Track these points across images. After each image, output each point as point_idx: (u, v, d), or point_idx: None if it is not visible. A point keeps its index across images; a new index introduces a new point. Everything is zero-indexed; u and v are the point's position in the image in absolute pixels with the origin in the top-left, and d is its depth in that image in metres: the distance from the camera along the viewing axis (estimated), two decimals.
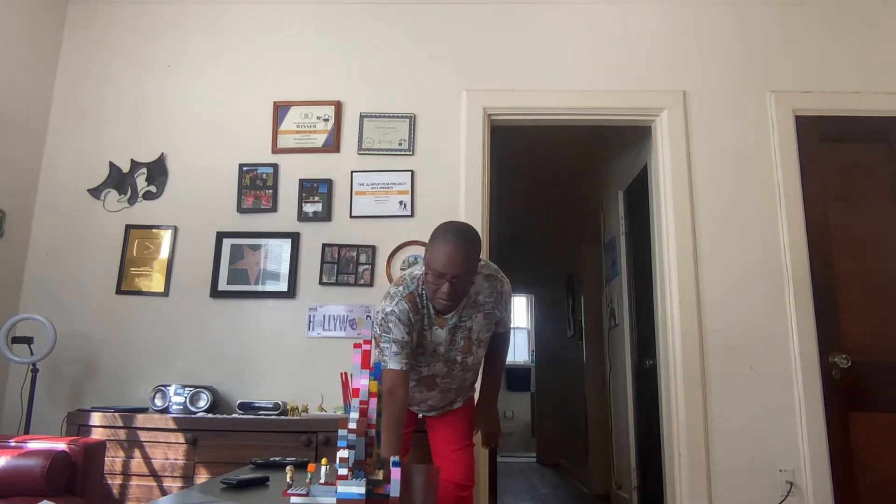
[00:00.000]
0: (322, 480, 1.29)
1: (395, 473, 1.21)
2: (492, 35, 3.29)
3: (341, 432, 1.17)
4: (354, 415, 1.19)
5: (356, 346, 1.27)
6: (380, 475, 1.25)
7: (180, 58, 3.35)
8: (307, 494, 1.24)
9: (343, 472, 1.17)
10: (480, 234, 3.01)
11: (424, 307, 1.99)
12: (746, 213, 3.05)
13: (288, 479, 1.30)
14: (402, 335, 1.93)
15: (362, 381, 1.24)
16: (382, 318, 1.96)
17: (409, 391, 1.99)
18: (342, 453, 1.17)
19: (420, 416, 2.31)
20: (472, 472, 2.20)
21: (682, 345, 2.92)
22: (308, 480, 1.27)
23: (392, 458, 1.23)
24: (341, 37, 3.32)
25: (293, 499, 1.25)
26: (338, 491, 1.16)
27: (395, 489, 1.21)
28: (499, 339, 2.28)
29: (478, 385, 2.38)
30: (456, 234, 1.87)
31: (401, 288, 1.99)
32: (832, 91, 3.16)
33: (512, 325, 2.32)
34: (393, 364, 1.92)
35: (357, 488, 1.16)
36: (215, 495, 1.35)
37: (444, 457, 2.18)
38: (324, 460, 1.34)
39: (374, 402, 1.24)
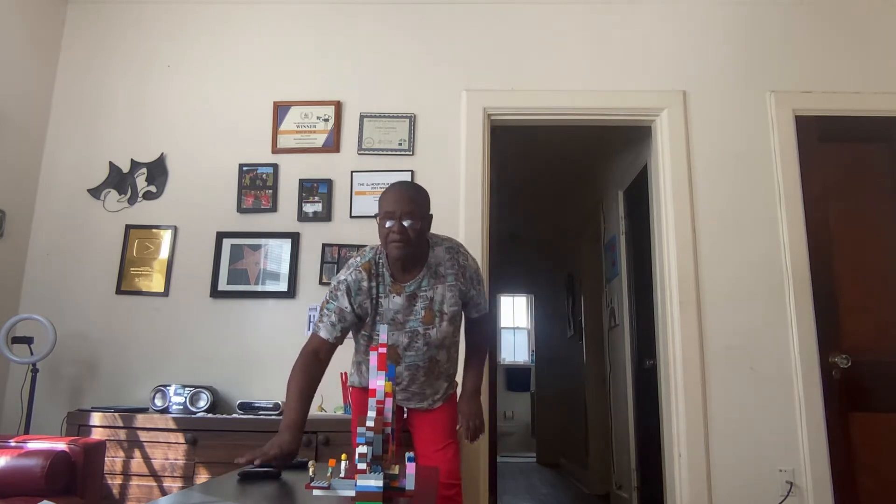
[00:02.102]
0: (342, 475, 1.38)
1: (411, 468, 1.28)
2: (492, 35, 3.30)
3: (360, 429, 1.25)
4: (372, 413, 1.27)
5: (372, 348, 1.35)
6: (396, 470, 1.33)
7: (180, 58, 3.35)
8: (329, 487, 1.31)
9: (362, 466, 1.24)
10: (480, 233, 3.05)
11: (381, 275, 2.00)
12: (746, 213, 3.05)
13: (310, 473, 1.37)
14: (345, 305, 1.96)
15: (378, 382, 1.31)
16: (335, 285, 2.00)
17: (323, 368, 1.98)
18: (361, 449, 1.24)
19: (405, 413, 2.26)
20: (457, 470, 2.13)
21: (682, 345, 2.92)
22: (329, 474, 1.32)
23: (407, 454, 1.29)
24: (341, 37, 3.33)
25: (315, 491, 1.31)
26: (357, 484, 1.23)
27: (410, 483, 1.28)
28: (475, 326, 2.24)
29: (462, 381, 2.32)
30: (402, 181, 2.06)
31: (359, 258, 2.03)
32: (832, 91, 3.16)
33: (488, 310, 2.24)
34: (323, 332, 1.97)
35: (375, 482, 1.22)
36: (223, 492, 1.38)
37: (426, 457, 2.14)
38: (343, 456, 1.44)
39: (388, 401, 1.31)
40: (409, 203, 1.91)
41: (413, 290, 2.02)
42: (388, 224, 1.91)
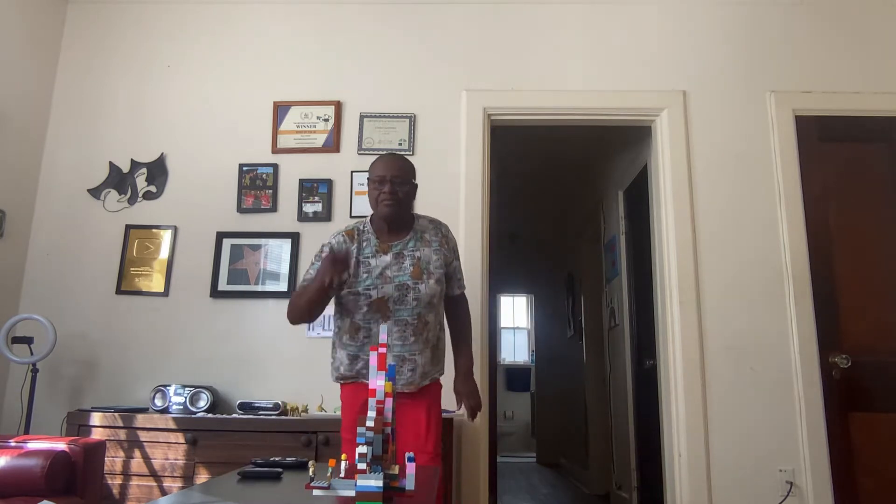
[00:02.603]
0: (342, 475, 1.39)
1: (411, 468, 1.30)
2: (492, 35, 3.30)
3: (360, 429, 1.25)
4: (372, 413, 1.28)
5: (372, 348, 1.36)
6: (396, 470, 1.34)
7: (180, 58, 3.35)
8: (328, 487, 1.32)
9: (362, 466, 1.25)
10: (480, 233, 3.05)
11: (366, 239, 2.18)
12: (746, 213, 3.05)
13: (310, 473, 1.38)
14: None
15: (378, 382, 1.32)
16: (319, 249, 2.23)
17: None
18: (361, 449, 1.25)
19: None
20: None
21: (682, 345, 2.92)
22: (329, 474, 1.33)
23: (407, 454, 1.33)
24: (341, 37, 3.33)
25: (315, 491, 1.32)
26: (357, 484, 1.23)
27: (410, 483, 1.30)
28: (457, 308, 2.35)
29: (447, 377, 2.32)
30: (390, 152, 2.30)
31: (343, 227, 2.25)
32: (832, 91, 3.16)
33: (465, 291, 2.38)
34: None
35: (375, 482, 1.23)
36: (223, 492, 1.38)
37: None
38: (343, 456, 1.46)
39: (389, 401, 1.32)
40: (398, 169, 2.15)
41: (400, 249, 2.17)
42: (379, 187, 2.13)
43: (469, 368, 2.30)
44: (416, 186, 2.23)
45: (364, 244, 2.17)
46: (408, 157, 3.12)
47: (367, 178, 2.21)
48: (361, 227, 2.21)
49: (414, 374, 2.15)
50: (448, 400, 2.42)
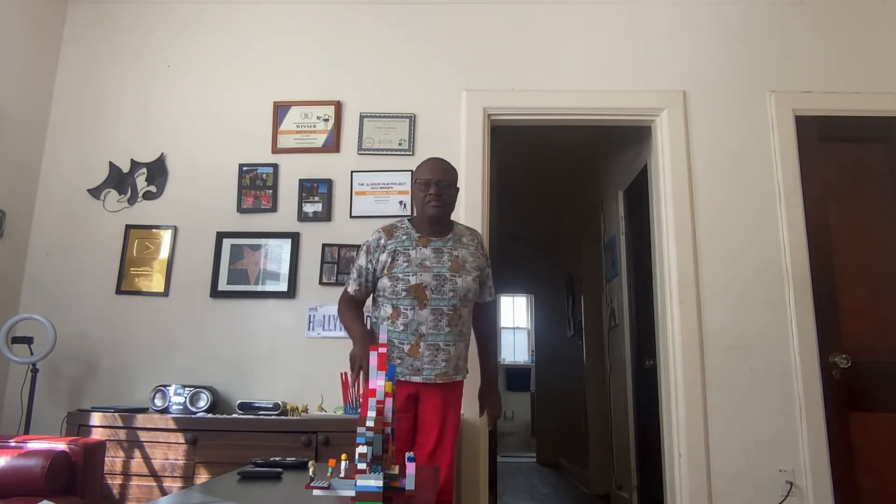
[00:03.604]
0: (342, 475, 1.40)
1: (411, 468, 1.30)
2: (492, 35, 3.30)
3: (360, 429, 1.26)
4: (372, 413, 1.28)
5: (372, 348, 1.37)
6: (396, 470, 1.35)
7: (180, 58, 3.35)
8: (328, 487, 1.32)
9: (362, 466, 1.25)
10: (480, 233, 3.04)
11: (406, 234, 2.28)
12: (746, 213, 3.05)
13: (310, 473, 1.36)
14: (364, 262, 2.28)
15: (378, 382, 1.32)
16: (359, 248, 2.35)
17: (360, 310, 2.35)
18: (361, 449, 1.25)
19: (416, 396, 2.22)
20: (450, 490, 2.16)
21: (682, 345, 2.92)
22: (329, 474, 1.33)
23: (407, 454, 1.33)
24: (341, 37, 3.33)
25: (315, 491, 1.32)
26: (357, 484, 1.23)
27: (410, 483, 1.30)
28: (484, 315, 2.43)
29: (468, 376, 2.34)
30: (436, 157, 2.39)
31: (384, 225, 2.36)
32: (832, 91, 3.16)
33: (493, 299, 2.46)
34: (350, 286, 2.33)
35: (375, 482, 1.23)
36: (223, 492, 1.38)
37: (420, 450, 2.15)
38: (343, 456, 1.48)
39: (389, 401, 1.32)
40: (444, 173, 2.27)
41: (439, 246, 2.27)
42: (425, 189, 2.24)
43: (494, 378, 2.45)
44: (458, 190, 2.35)
45: (404, 237, 2.27)
46: (408, 158, 3.15)
47: (413, 181, 2.38)
48: (398, 225, 2.32)
49: (448, 364, 2.19)
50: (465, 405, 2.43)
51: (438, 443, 2.15)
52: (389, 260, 2.21)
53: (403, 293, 2.18)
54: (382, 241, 2.26)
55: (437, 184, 2.23)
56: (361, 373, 2.08)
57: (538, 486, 5.72)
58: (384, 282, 2.22)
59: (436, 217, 2.25)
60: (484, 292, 2.37)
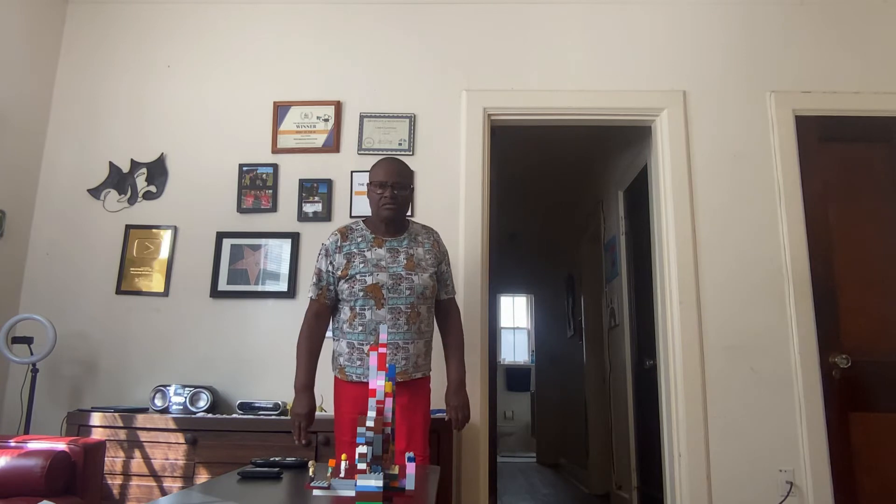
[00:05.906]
0: (342, 475, 1.40)
1: (411, 468, 1.31)
2: (492, 35, 3.29)
3: (360, 430, 1.26)
4: (372, 413, 1.28)
5: (372, 348, 1.37)
6: (396, 470, 1.35)
7: (180, 58, 3.35)
8: (328, 487, 1.33)
9: (362, 466, 1.25)
10: (480, 233, 3.05)
11: (361, 235, 2.29)
12: (746, 212, 3.05)
13: (310, 473, 1.36)
14: (325, 265, 2.27)
15: (378, 382, 1.33)
16: (320, 249, 2.32)
17: (325, 325, 2.30)
18: (361, 449, 1.25)
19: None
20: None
21: (682, 345, 2.92)
22: (329, 474, 1.33)
23: (408, 454, 1.34)
24: (341, 37, 3.33)
25: (315, 491, 1.32)
26: (357, 484, 1.24)
27: (409, 483, 1.31)
28: (448, 313, 2.39)
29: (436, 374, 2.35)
30: (390, 157, 2.41)
31: (339, 227, 2.35)
32: (832, 91, 3.16)
33: (455, 296, 2.45)
34: (311, 291, 2.30)
35: (375, 482, 1.23)
36: (223, 492, 1.38)
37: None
38: (343, 456, 1.49)
39: (389, 401, 1.32)
40: (398, 175, 2.27)
41: (394, 245, 2.28)
42: (379, 191, 2.25)
43: (462, 380, 2.31)
44: (413, 191, 2.37)
45: (359, 239, 2.28)
46: (408, 158, 3.15)
47: (368, 182, 2.31)
48: (352, 227, 2.33)
49: (407, 363, 2.20)
50: (437, 402, 2.46)
51: (409, 440, 2.16)
52: (345, 262, 2.24)
53: (360, 294, 2.19)
54: (340, 243, 2.28)
55: (392, 186, 2.24)
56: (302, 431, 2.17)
57: (538, 487, 5.72)
58: (342, 284, 2.24)
59: (390, 219, 2.27)
60: (440, 290, 2.36)
